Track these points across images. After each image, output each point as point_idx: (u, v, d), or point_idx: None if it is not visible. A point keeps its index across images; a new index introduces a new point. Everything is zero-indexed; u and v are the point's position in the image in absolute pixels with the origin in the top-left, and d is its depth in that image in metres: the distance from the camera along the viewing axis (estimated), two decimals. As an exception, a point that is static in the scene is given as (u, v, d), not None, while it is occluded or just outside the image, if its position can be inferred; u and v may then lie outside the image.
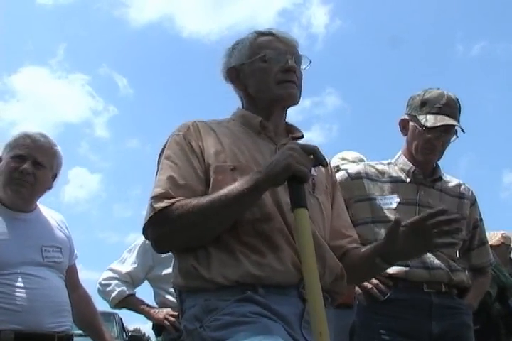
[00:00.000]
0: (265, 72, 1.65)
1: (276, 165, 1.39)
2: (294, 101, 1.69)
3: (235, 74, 1.72)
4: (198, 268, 1.45)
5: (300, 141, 1.64)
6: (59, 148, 2.43)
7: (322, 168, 1.74)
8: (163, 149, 1.63)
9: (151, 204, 1.48)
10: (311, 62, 1.72)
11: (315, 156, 1.43)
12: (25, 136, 2.33)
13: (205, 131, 1.63)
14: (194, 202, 1.44)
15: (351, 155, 3.33)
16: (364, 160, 3.20)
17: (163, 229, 1.48)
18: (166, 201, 1.46)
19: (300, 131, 1.75)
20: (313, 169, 1.64)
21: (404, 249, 1.54)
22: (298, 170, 1.37)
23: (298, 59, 1.70)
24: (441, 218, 1.48)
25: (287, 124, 1.75)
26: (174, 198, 1.47)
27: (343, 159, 3.26)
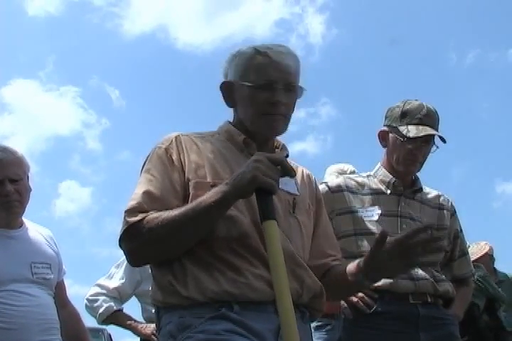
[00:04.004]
0: (251, 100, 1.60)
1: (242, 177, 1.38)
2: (276, 134, 1.67)
3: (227, 90, 1.68)
4: (175, 285, 1.46)
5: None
6: (19, 152, 2.42)
7: (307, 186, 1.73)
8: (145, 162, 1.62)
9: (124, 218, 1.49)
10: (303, 89, 1.66)
11: (282, 167, 1.42)
12: None
13: (188, 145, 1.61)
14: (164, 215, 1.44)
15: (347, 168, 3.36)
16: (354, 172, 3.23)
17: (134, 242, 1.48)
18: (139, 215, 1.47)
19: (286, 150, 1.72)
20: (296, 188, 1.66)
21: (387, 267, 1.51)
22: (264, 182, 1.36)
23: (292, 86, 1.63)
24: (425, 236, 1.47)
25: (276, 140, 1.73)
26: (148, 211, 1.47)
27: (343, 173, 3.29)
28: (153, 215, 1.46)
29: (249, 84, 1.61)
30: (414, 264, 1.55)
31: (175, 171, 1.55)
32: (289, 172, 1.45)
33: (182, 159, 1.57)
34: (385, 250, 1.47)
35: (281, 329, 1.30)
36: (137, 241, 1.47)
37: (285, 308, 1.30)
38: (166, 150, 1.59)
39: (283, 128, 1.65)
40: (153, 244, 1.46)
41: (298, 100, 1.67)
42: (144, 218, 1.46)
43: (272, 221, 1.38)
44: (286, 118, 1.65)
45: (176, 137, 1.63)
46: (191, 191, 1.52)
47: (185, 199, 1.52)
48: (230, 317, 1.41)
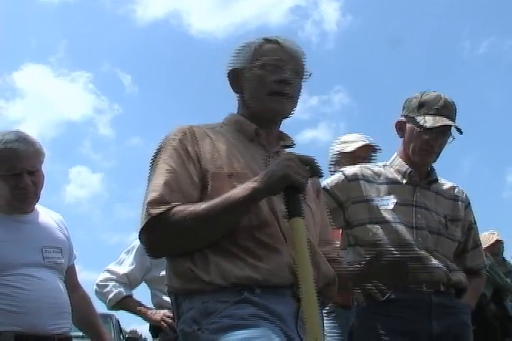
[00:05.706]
0: (260, 80, 1.66)
1: (272, 175, 1.41)
2: (283, 116, 1.71)
3: (234, 76, 1.73)
4: (196, 271, 1.47)
5: (292, 149, 1.69)
6: (37, 141, 2.35)
7: None
8: (157, 153, 1.62)
9: (146, 210, 1.49)
10: (310, 74, 1.73)
11: (311, 167, 1.46)
12: (5, 150, 2.23)
13: (201, 136, 1.63)
14: (191, 208, 1.45)
15: (352, 137, 3.30)
16: (367, 140, 3.20)
17: (158, 234, 1.48)
18: (162, 206, 1.47)
19: (291, 139, 1.77)
20: None
21: (375, 280, 1.68)
22: (295, 181, 1.39)
23: (300, 71, 1.70)
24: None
25: (280, 131, 1.77)
26: (169, 204, 1.48)
27: (345, 142, 3.23)
28: (178, 208, 1.46)
29: (260, 63, 1.65)
30: (402, 282, 1.70)
31: (191, 162, 1.56)
32: (318, 172, 1.48)
33: (197, 150, 1.58)
34: (378, 267, 1.63)
35: (306, 325, 1.34)
36: (161, 233, 1.48)
37: (310, 309, 1.34)
38: (181, 141, 1.60)
39: (290, 110, 1.70)
40: (178, 236, 1.47)
41: (306, 86, 1.73)
42: (167, 210, 1.46)
43: (300, 218, 1.41)
44: (293, 101, 1.69)
45: (188, 128, 1.64)
46: (210, 182, 1.54)
47: (203, 191, 1.53)
48: (253, 301, 1.43)
